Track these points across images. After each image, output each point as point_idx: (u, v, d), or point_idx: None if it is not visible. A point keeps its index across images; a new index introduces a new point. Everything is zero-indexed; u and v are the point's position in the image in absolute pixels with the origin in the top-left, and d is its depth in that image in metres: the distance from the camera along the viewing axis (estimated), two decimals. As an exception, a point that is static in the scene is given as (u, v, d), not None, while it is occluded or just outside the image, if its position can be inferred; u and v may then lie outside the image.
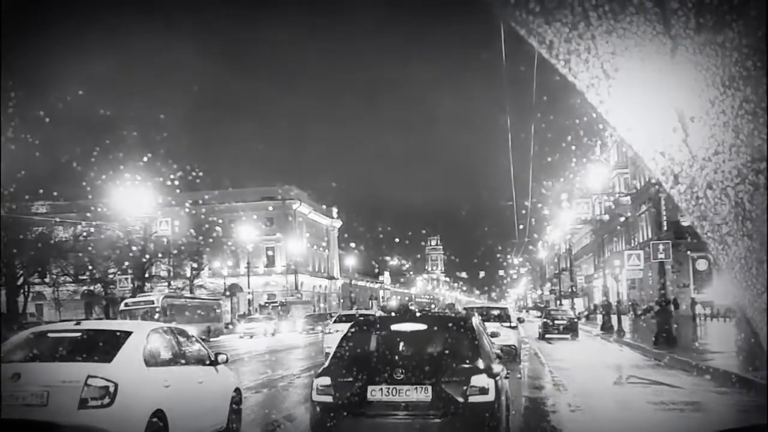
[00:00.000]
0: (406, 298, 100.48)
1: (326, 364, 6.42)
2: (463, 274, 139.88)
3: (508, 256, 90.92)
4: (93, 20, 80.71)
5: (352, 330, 6.86)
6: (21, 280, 39.37)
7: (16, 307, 39.82)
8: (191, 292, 45.76)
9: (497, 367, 6.25)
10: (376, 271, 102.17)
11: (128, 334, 6.57)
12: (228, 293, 54.29)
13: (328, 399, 5.82)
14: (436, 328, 6.83)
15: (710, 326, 31.76)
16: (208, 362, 7.63)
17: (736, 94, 0.98)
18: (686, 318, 34.07)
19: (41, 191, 36.42)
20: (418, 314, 7.59)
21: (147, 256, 39.60)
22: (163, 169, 36.37)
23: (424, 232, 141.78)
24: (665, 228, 34.26)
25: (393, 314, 9.05)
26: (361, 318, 7.89)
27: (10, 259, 35.63)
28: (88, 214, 36.19)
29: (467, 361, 5.98)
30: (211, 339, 33.04)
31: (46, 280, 46.03)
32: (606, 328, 30.20)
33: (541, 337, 29.21)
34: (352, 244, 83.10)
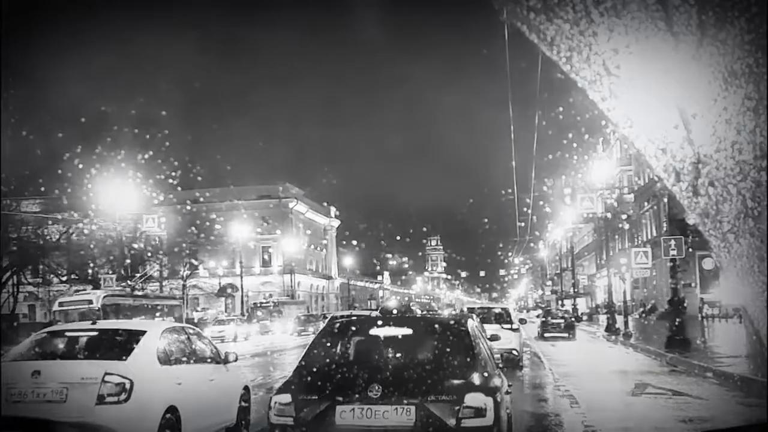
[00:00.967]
0: (406, 298, 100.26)
1: (289, 376, 5.34)
2: (464, 274, 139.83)
3: (510, 254, 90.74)
4: (90, 18, 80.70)
5: (323, 335, 5.92)
6: (6, 278, 38.91)
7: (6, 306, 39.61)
8: (183, 291, 45.23)
9: (497, 381, 5.24)
10: (378, 268, 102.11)
11: (143, 333, 6.84)
12: (221, 293, 54.10)
13: (288, 421, 4.79)
14: (424, 333, 5.72)
15: (719, 327, 31.20)
16: (218, 361, 7.85)
17: (738, 91, 0.98)
18: (693, 319, 33.89)
19: (30, 189, 36.38)
20: (402, 317, 6.30)
21: (132, 255, 39.03)
22: (163, 166, 36.24)
23: (424, 230, 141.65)
24: (668, 226, 34.20)
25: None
26: (338, 321, 6.76)
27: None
28: (75, 214, 35.90)
29: (460, 375, 4.97)
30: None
31: (38, 279, 45.90)
32: (611, 329, 29.47)
33: (540, 336, 29.26)
34: (354, 242, 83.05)
